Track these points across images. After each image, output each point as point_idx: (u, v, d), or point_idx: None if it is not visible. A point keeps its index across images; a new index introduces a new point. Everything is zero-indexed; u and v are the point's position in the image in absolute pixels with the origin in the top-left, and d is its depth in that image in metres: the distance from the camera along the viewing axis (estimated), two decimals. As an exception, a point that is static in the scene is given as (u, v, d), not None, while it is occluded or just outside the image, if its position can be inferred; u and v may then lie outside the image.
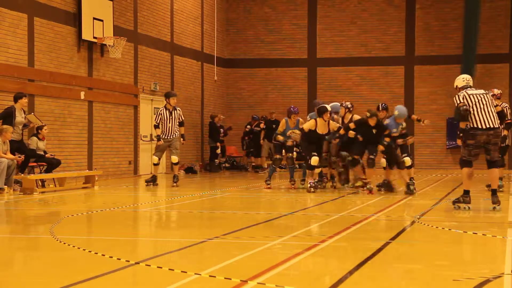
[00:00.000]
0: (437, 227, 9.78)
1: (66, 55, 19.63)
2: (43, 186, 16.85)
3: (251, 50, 30.04)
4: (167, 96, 18.37)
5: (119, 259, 7.23)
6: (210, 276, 6.39)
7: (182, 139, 18.36)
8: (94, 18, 20.43)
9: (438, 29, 28.56)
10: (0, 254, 8.16)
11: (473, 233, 9.27)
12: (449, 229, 9.60)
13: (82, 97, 20.36)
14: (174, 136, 18.10)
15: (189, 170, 25.06)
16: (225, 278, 6.27)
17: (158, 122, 18.20)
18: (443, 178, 22.00)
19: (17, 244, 8.95)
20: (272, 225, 10.29)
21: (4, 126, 15.91)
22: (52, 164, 17.37)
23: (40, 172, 17.10)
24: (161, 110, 18.28)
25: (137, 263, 7.05)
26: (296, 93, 28.90)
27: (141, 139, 23.51)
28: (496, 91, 15.68)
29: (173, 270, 6.66)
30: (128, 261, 7.13)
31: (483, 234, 9.10)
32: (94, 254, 7.65)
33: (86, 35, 20.18)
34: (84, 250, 7.95)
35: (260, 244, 8.31)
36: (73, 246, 8.20)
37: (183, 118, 18.33)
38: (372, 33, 29.07)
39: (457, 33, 28.10)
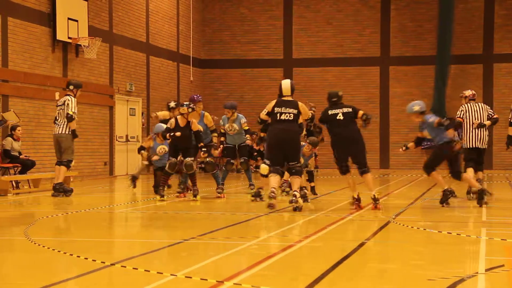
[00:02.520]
0: (412, 227, 9.83)
1: (40, 56, 19.53)
2: (17, 187, 16.74)
3: (227, 50, 30.04)
4: (77, 86, 15.71)
5: (95, 260, 7.21)
6: (186, 277, 6.38)
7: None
8: (68, 18, 20.35)
9: (413, 30, 28.72)
10: (-26, 256, 8.12)
11: (448, 232, 9.33)
12: (424, 229, 9.65)
13: (57, 97, 20.18)
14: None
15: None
16: (201, 279, 6.27)
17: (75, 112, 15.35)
18: (418, 178, 22.11)
19: (-9, 246, 8.89)
20: (248, 226, 10.29)
21: None
22: (26, 165, 17.27)
23: (15, 173, 16.99)
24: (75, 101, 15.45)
25: (113, 264, 7.03)
26: (273, 93, 28.60)
27: (116, 139, 23.44)
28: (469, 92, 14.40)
29: (149, 271, 6.65)
30: (104, 262, 7.11)
31: (457, 234, 9.16)
32: (69, 256, 7.61)
33: (61, 35, 20.10)
34: (59, 251, 7.91)
35: (236, 245, 8.32)
36: (48, 248, 8.16)
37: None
38: (347, 34, 29.18)
39: (431, 34, 28.24)
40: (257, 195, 13.69)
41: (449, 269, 6.81)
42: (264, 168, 12.37)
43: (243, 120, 15.27)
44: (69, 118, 15.15)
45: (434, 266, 7.11)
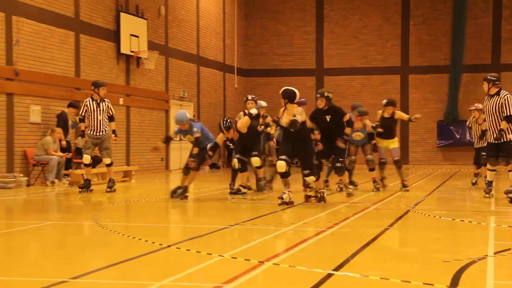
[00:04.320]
0: (429, 215, 9.74)
1: (107, 67, 19.71)
2: (87, 179, 16.91)
3: (266, 61, 30.03)
4: (96, 85, 13.93)
5: (153, 242, 7.26)
6: (232, 257, 6.40)
7: (114, 135, 13.98)
8: (131, 35, 20.51)
9: (429, 43, 28.45)
10: (52, 238, 8.23)
11: (461, 220, 9.24)
12: (440, 217, 9.56)
13: (121, 102, 20.42)
14: (103, 133, 13.74)
15: (213, 166, 25.08)
16: (245, 259, 6.27)
17: (83, 115, 13.75)
18: (434, 173, 21.91)
19: (66, 229, 9.01)
20: (285, 214, 10.27)
21: (55, 128, 16.02)
22: (95, 161, 17.40)
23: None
24: (87, 101, 13.79)
25: (169, 246, 7.07)
26: (306, 99, 28.78)
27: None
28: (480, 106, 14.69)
29: (200, 252, 6.68)
30: (161, 244, 7.15)
31: (469, 221, 9.07)
32: (131, 238, 7.68)
33: (124, 49, 20.27)
34: (123, 235, 7.98)
35: (275, 230, 8.32)
36: (114, 232, 8.23)
37: (113, 112, 14.10)
38: (372, 46, 28.99)
39: (446, 46, 27.99)
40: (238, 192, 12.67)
41: (462, 252, 6.75)
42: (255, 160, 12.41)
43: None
44: (79, 120, 14.13)
45: (449, 250, 7.05)
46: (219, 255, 6.47)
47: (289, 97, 11.09)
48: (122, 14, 20.20)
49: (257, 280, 5.53)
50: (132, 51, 20.55)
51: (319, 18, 29.49)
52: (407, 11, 28.68)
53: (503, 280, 5.54)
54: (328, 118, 11.39)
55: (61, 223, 9.51)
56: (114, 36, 20.02)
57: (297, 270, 5.87)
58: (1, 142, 15.67)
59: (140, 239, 7.54)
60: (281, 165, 10.85)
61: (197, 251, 6.73)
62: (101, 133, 13.70)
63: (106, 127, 13.76)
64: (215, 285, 5.24)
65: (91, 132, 13.71)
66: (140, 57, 20.97)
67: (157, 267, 6.14)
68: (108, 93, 19.47)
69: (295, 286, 5.25)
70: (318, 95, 11.53)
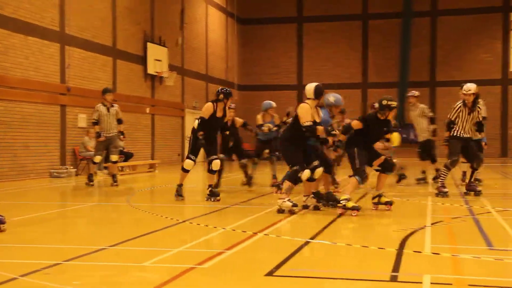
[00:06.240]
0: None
1: (137, 84, 19.69)
2: (122, 170, 16.91)
3: (259, 79, 30.03)
4: (104, 92, 12.41)
5: (172, 218, 7.28)
6: (232, 230, 6.43)
7: (122, 136, 12.64)
8: (155, 59, 20.49)
9: (383, 64, 28.55)
10: (95, 215, 8.23)
11: (406, 199, 9.28)
12: (392, 197, 9.59)
13: (147, 111, 20.40)
14: (113, 133, 12.39)
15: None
16: (242, 231, 6.30)
17: (97, 118, 12.25)
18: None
19: (104, 209, 9.01)
20: (274, 197, 10.24)
21: (90, 129, 15.96)
22: (128, 156, 17.45)
23: (120, 161, 17.15)
24: (98, 107, 12.30)
25: (184, 221, 7.10)
26: (289, 107, 28.79)
27: (186, 139, 23.53)
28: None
29: (207, 226, 6.71)
30: (178, 220, 7.18)
31: (413, 200, 9.10)
32: (155, 215, 7.70)
33: (150, 70, 20.24)
34: (149, 213, 8.00)
35: (266, 208, 8.32)
36: (142, 210, 8.25)
37: (121, 115, 12.60)
38: (340, 67, 29.05)
39: (395, 67, 28.07)
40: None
41: (407, 223, 6.79)
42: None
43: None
44: (92, 123, 12.57)
45: (397, 222, 7.09)
46: (222, 228, 6.50)
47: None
48: (149, 44, 20.16)
49: (251, 247, 5.56)
50: (156, 72, 20.53)
51: (300, 46, 29.53)
52: (366, 41, 28.81)
53: (437, 244, 5.58)
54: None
55: (101, 204, 9.53)
56: (142, 60, 19.99)
57: (282, 239, 5.91)
58: (56, 142, 15.65)
59: (161, 216, 7.56)
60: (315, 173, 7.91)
61: (205, 225, 6.76)
62: (110, 134, 12.40)
63: (115, 129, 12.42)
64: (220, 251, 5.27)
65: (102, 133, 12.42)
66: (162, 76, 20.95)
67: (175, 237, 6.16)
68: (137, 104, 19.51)
69: (281, 251, 5.29)
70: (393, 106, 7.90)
